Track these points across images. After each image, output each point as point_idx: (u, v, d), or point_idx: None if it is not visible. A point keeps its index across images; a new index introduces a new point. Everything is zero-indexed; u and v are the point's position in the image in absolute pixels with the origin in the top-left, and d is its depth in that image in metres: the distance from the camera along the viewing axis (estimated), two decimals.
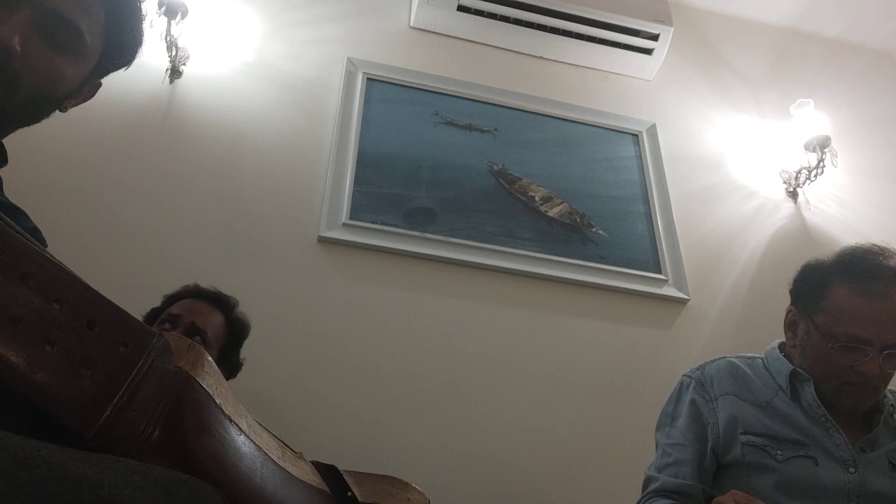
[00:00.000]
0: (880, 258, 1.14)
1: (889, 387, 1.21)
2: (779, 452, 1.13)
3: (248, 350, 1.53)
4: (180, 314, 1.41)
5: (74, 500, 0.42)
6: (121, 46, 0.81)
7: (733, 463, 1.17)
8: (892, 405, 1.19)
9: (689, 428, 1.22)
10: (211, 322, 1.44)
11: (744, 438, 1.16)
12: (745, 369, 1.26)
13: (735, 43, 2.85)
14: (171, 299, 1.47)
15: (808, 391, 1.18)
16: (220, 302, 1.48)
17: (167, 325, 1.39)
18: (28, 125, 0.76)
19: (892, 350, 1.11)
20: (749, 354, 1.31)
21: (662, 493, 1.17)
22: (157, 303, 1.48)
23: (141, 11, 0.82)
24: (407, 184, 2.11)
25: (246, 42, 2.25)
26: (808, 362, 1.20)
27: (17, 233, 0.56)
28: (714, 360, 1.30)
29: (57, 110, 0.79)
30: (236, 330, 1.49)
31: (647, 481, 1.23)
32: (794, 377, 1.20)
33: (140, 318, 0.74)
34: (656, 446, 1.28)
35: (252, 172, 2.02)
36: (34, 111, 0.74)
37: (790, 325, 1.26)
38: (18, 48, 0.67)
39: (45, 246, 0.82)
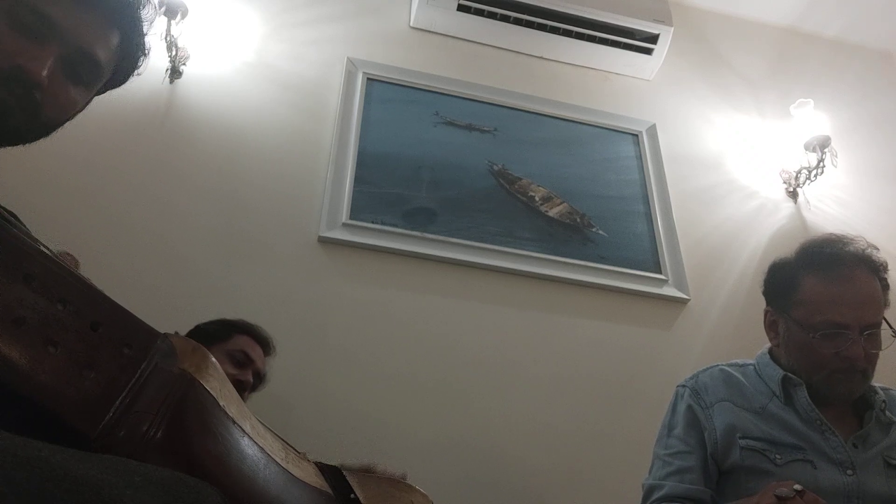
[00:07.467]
0: (840, 245, 1.18)
1: (879, 383, 1.22)
2: (777, 456, 1.14)
3: None
4: (254, 360, 1.48)
5: (75, 501, 0.42)
6: (125, 70, 0.85)
7: (732, 468, 1.16)
8: (884, 401, 1.20)
9: (689, 435, 1.22)
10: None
11: (742, 443, 1.16)
12: (737, 376, 1.26)
13: (735, 43, 2.86)
14: (231, 328, 1.51)
15: (802, 395, 1.18)
16: (269, 352, 1.55)
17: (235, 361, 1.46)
18: (26, 143, 0.79)
19: (871, 329, 1.13)
20: (740, 362, 1.31)
21: (671, 498, 1.16)
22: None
23: (144, 29, 0.84)
24: (407, 184, 2.11)
25: (246, 42, 2.25)
26: (794, 359, 1.21)
27: (19, 233, 0.56)
28: (707, 369, 1.31)
29: None
30: (264, 380, 1.55)
31: (650, 490, 1.20)
32: (786, 382, 1.21)
33: (155, 323, 0.75)
34: (654, 460, 1.26)
35: (252, 172, 2.01)
36: (40, 135, 0.77)
37: (770, 326, 1.27)
38: (46, 82, 0.70)
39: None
